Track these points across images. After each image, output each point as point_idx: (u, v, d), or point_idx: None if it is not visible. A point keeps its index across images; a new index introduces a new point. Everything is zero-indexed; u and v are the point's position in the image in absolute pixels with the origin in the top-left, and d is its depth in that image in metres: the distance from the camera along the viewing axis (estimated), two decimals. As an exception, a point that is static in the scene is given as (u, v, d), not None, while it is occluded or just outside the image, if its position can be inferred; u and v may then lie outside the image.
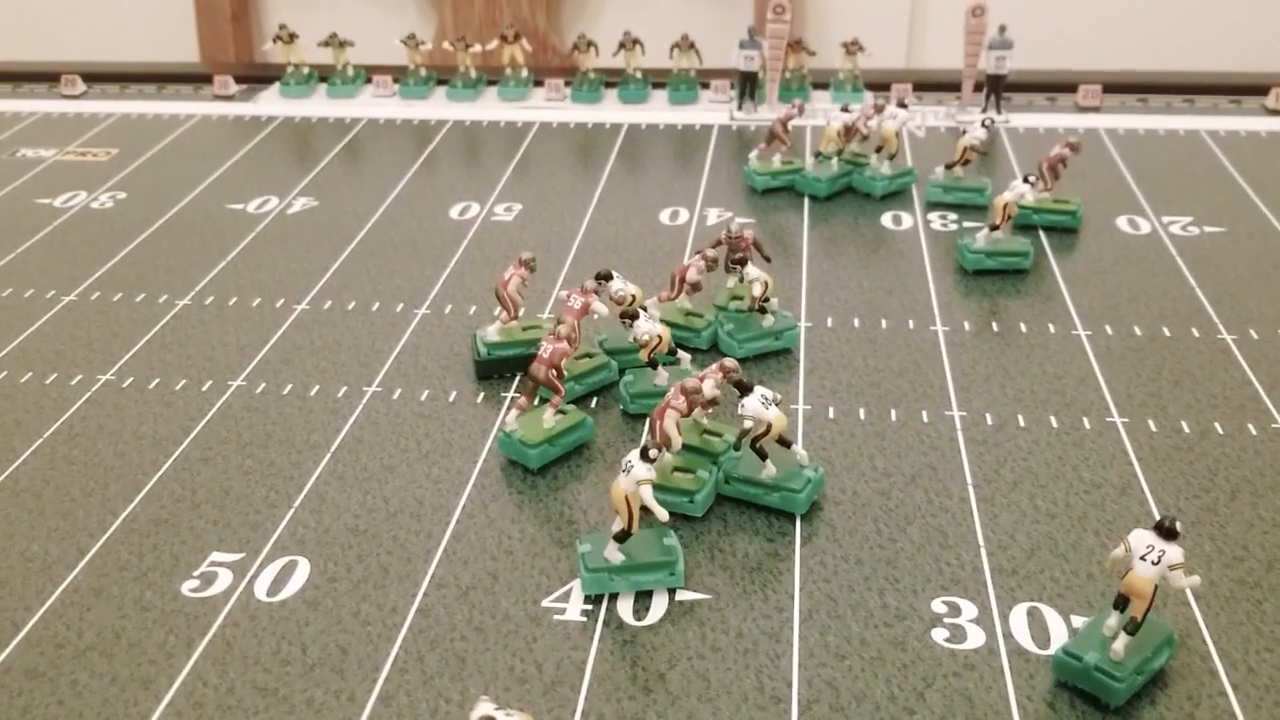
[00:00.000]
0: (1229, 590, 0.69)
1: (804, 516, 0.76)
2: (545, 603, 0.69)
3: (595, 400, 0.91)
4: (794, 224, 1.20)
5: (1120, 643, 0.61)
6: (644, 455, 0.68)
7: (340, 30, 1.64)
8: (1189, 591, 0.68)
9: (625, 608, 0.69)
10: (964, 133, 1.21)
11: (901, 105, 1.24)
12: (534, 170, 1.37)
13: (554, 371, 0.81)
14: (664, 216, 1.23)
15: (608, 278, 0.93)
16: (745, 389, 0.76)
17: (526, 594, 0.70)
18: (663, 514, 0.67)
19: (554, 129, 1.50)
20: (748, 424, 0.76)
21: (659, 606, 0.69)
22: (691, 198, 1.28)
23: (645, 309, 0.95)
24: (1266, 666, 0.64)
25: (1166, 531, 0.60)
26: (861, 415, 0.87)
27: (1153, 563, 0.60)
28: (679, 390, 0.76)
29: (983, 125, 1.19)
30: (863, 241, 1.16)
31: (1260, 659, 0.64)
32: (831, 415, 0.88)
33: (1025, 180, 1.06)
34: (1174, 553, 0.60)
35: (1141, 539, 0.61)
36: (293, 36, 1.61)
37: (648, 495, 0.67)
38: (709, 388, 0.78)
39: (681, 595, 0.70)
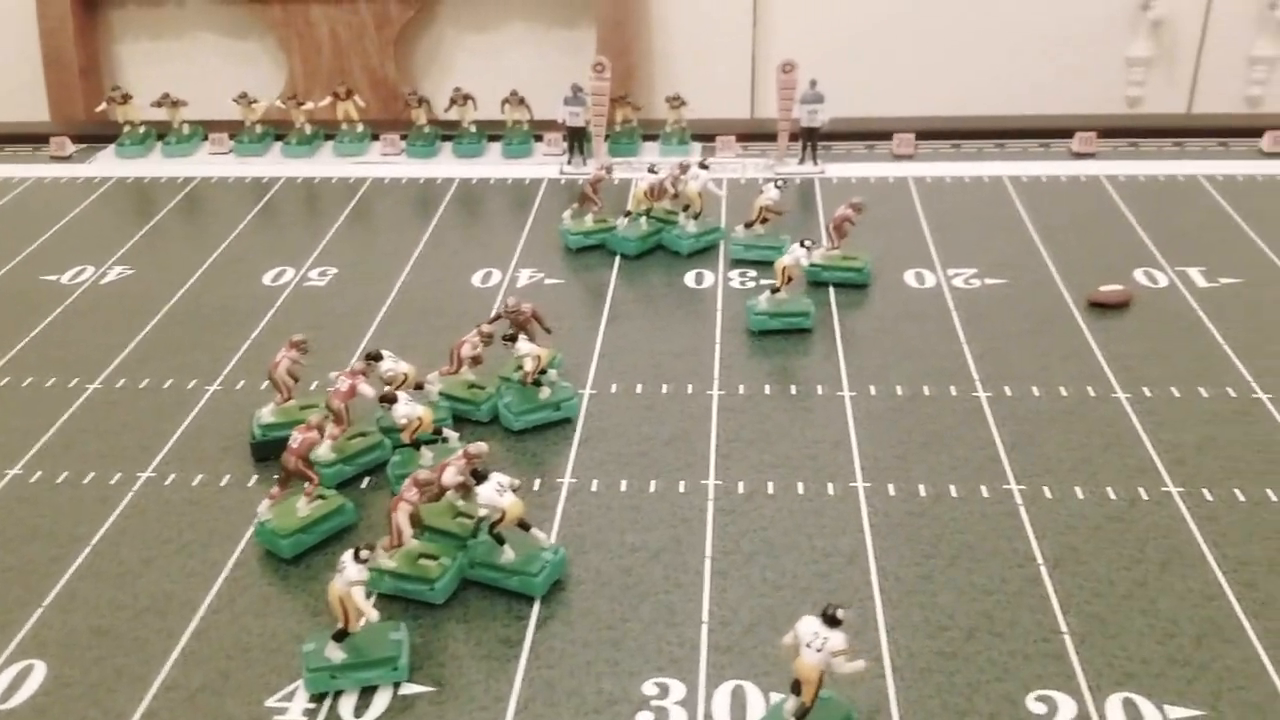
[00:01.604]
0: (926, 662, 0.72)
1: (544, 599, 0.79)
2: (270, 702, 0.71)
3: (367, 480, 0.93)
4: (604, 283, 1.23)
5: (791, 727, 0.64)
6: (356, 556, 0.70)
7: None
8: (886, 665, 0.72)
9: (348, 706, 0.71)
10: (761, 192, 1.25)
11: (703, 166, 1.28)
12: (358, 229, 1.39)
13: (303, 461, 0.83)
14: (476, 278, 1.26)
15: (377, 358, 0.95)
16: (480, 477, 0.79)
17: (254, 695, 0.72)
18: (373, 615, 0.69)
19: (387, 185, 1.52)
20: (483, 511, 0.79)
21: (381, 703, 0.71)
22: (507, 257, 1.30)
23: (422, 386, 0.98)
24: (945, 740, 0.68)
25: (830, 620, 0.63)
26: (623, 487, 0.90)
27: (817, 650, 0.63)
28: (412, 482, 0.78)
29: (775, 186, 1.23)
30: (664, 302, 1.19)
31: (940, 732, 0.68)
32: (595, 488, 0.90)
33: (801, 245, 1.09)
34: (836, 640, 0.63)
35: (809, 626, 0.64)
36: (126, 97, 1.61)
37: (359, 597, 0.69)
38: (450, 476, 0.80)
39: (406, 689, 0.72)
